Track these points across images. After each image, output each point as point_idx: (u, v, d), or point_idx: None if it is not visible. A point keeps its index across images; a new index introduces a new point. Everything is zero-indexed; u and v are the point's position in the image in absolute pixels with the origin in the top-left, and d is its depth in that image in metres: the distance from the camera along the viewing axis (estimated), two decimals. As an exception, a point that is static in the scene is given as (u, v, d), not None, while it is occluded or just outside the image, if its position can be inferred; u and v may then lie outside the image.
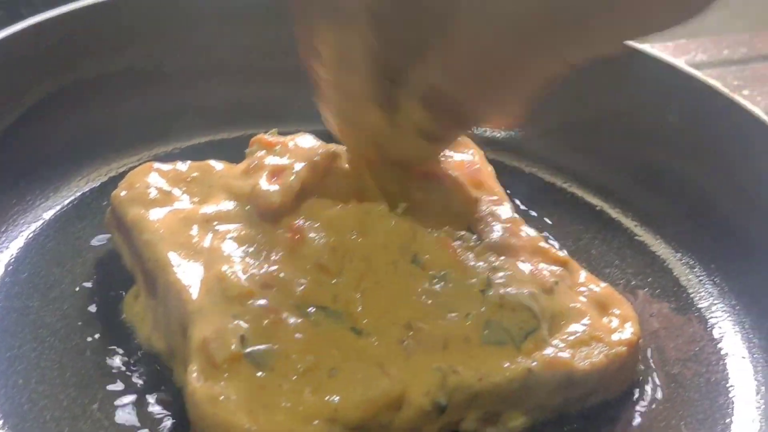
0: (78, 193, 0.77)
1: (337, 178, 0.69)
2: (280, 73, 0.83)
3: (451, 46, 0.58)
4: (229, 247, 0.65)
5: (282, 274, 0.63)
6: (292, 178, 0.67)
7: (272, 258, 0.64)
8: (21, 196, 0.75)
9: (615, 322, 0.66)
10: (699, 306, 0.74)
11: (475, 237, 0.69)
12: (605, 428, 0.65)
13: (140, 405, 0.62)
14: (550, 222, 0.79)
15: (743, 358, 0.70)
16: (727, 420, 0.66)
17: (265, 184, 0.67)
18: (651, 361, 0.69)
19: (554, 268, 0.69)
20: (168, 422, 0.61)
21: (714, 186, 0.79)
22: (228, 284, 0.62)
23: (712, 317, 0.73)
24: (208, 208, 0.67)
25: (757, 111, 0.78)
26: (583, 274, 0.70)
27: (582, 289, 0.68)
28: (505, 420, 0.63)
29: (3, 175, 0.74)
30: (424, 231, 0.68)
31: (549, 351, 0.63)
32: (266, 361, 0.59)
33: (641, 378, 0.68)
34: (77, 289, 0.69)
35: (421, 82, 0.61)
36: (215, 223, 0.66)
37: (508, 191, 0.75)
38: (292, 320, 0.61)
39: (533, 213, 0.80)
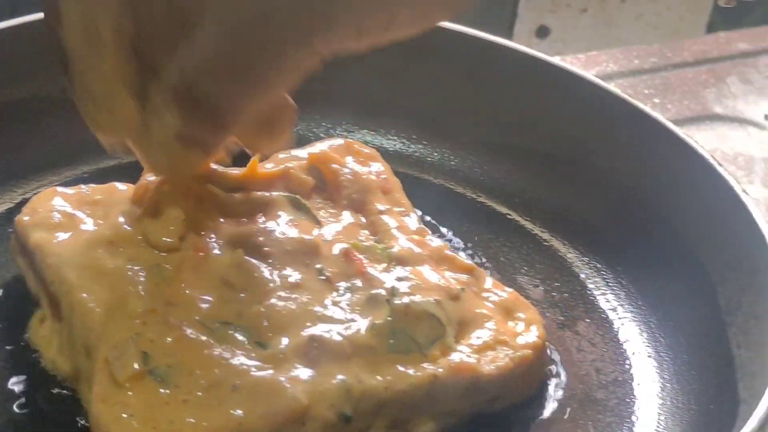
0: (-16, 220, 0.76)
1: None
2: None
3: (201, 35, 0.55)
4: (133, 267, 0.65)
5: (186, 291, 0.63)
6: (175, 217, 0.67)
7: (176, 275, 0.64)
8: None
9: (520, 326, 0.67)
10: (606, 308, 0.75)
11: (381, 248, 0.69)
12: (514, 431, 0.65)
13: (46, 428, 0.61)
14: (459, 231, 0.80)
15: (649, 357, 0.71)
16: (633, 418, 0.66)
17: (151, 227, 0.67)
18: (558, 363, 0.70)
19: (460, 275, 0.69)
20: (74, 444, 0.61)
21: (620, 192, 0.81)
22: (131, 303, 0.62)
23: (618, 318, 0.74)
24: (111, 230, 0.67)
25: (661, 118, 0.80)
26: (489, 281, 0.70)
27: (488, 295, 0.69)
28: (413, 427, 0.63)
29: None
30: (330, 244, 0.68)
31: (455, 357, 0.64)
32: (170, 378, 0.59)
33: (549, 380, 0.68)
34: (-19, 315, 0.68)
35: (173, 73, 0.57)
36: (118, 244, 0.66)
37: (417, 203, 0.76)
38: (195, 336, 0.61)
39: (443, 223, 0.80)
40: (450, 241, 0.78)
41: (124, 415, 0.57)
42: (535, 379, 0.67)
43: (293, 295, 0.64)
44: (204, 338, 0.61)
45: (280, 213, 0.70)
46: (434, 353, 0.63)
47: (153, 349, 0.60)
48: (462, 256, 0.73)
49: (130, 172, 0.75)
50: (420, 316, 0.64)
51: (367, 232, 0.71)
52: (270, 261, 0.66)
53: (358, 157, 0.77)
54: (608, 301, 0.76)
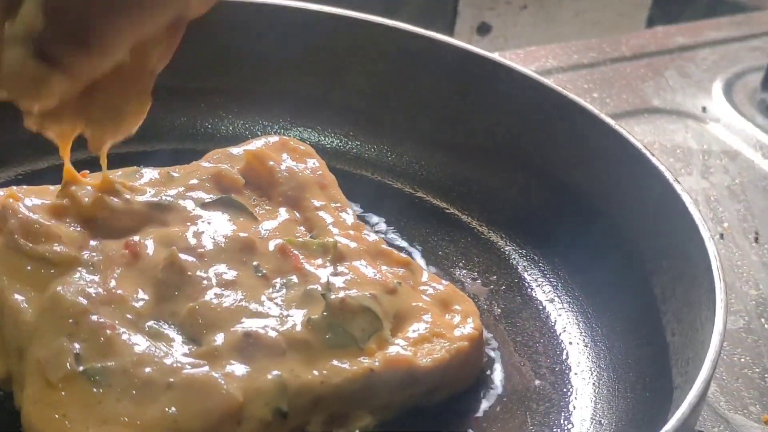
0: None
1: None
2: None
3: None
4: (65, 268, 0.64)
5: (119, 291, 0.63)
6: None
7: (109, 275, 0.64)
8: None
9: (457, 319, 0.67)
10: (543, 299, 0.76)
11: (317, 243, 0.69)
12: (453, 423, 0.66)
13: (-22, 431, 0.61)
14: (397, 226, 0.80)
15: (586, 346, 0.71)
16: (570, 407, 0.67)
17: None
18: (496, 354, 0.70)
19: (397, 269, 0.70)
20: (7, 446, 0.60)
21: (556, 185, 0.81)
22: (63, 303, 0.61)
23: (555, 309, 0.75)
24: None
25: (595, 110, 0.80)
26: (425, 274, 0.70)
27: (425, 288, 0.69)
28: (350, 422, 0.63)
29: None
30: (266, 240, 0.68)
31: (392, 350, 0.64)
32: (103, 378, 0.58)
33: (486, 371, 0.69)
34: None
35: None
36: (50, 244, 0.66)
37: (354, 198, 0.76)
38: (128, 336, 0.60)
39: (380, 218, 0.80)
40: (386, 235, 0.78)
41: (57, 416, 0.56)
42: (472, 370, 0.68)
43: (228, 292, 0.64)
44: (137, 337, 0.60)
45: (216, 212, 0.69)
46: (371, 347, 0.64)
47: (85, 349, 0.59)
48: (398, 251, 0.73)
49: (61, 174, 0.74)
50: (356, 311, 0.64)
51: (303, 228, 0.71)
52: (205, 259, 0.66)
53: (293, 153, 0.77)
54: (545, 292, 0.76)
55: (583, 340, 0.72)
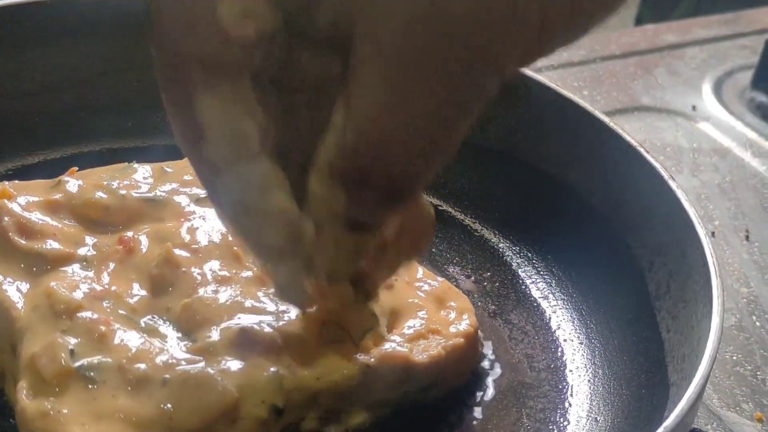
0: None
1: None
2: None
3: (356, 84, 0.47)
4: (59, 263, 0.64)
5: (114, 287, 0.63)
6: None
7: (104, 271, 0.64)
8: None
9: (452, 315, 0.67)
10: (537, 296, 0.75)
11: (311, 240, 0.69)
12: (448, 420, 0.65)
13: (-28, 428, 0.60)
14: (390, 223, 0.80)
15: (581, 343, 0.71)
16: (566, 404, 0.67)
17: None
18: (491, 351, 0.70)
19: (391, 265, 0.69)
20: (1, 443, 0.60)
21: (550, 181, 0.81)
22: (57, 299, 0.61)
23: (550, 306, 0.74)
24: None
25: (589, 107, 0.80)
26: (420, 270, 0.70)
27: (420, 284, 0.69)
28: (346, 418, 0.63)
29: None
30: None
31: (387, 346, 0.64)
32: (98, 374, 0.58)
33: (482, 368, 0.68)
34: None
35: (328, 154, 0.50)
36: (44, 240, 0.65)
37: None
38: (123, 332, 0.60)
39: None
40: (381, 232, 0.78)
41: (51, 412, 0.56)
42: (467, 367, 0.67)
43: (223, 288, 0.64)
44: (132, 333, 0.60)
45: (211, 207, 0.69)
46: (367, 343, 0.63)
47: (80, 345, 0.59)
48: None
49: (53, 169, 0.74)
50: (352, 307, 0.64)
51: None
52: (200, 254, 0.65)
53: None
54: (539, 289, 0.76)
55: (578, 337, 0.72)
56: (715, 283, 0.62)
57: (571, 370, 0.69)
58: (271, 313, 0.63)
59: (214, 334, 0.61)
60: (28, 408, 0.56)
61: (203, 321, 0.62)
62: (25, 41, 0.83)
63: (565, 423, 0.65)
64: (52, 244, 0.65)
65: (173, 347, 0.60)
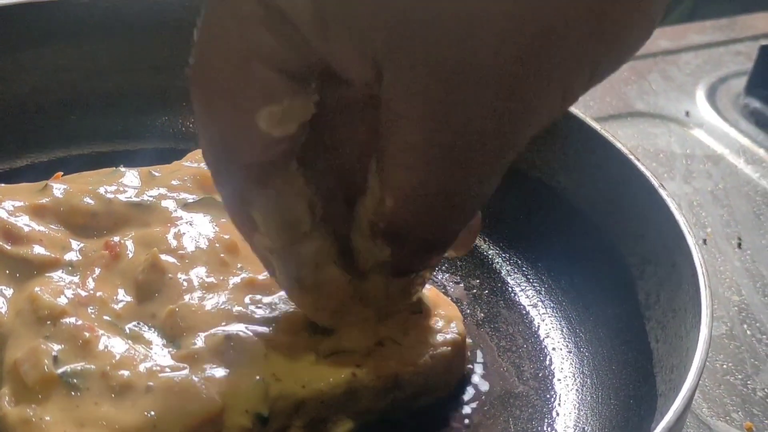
0: None
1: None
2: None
3: (388, 155, 0.48)
4: (45, 268, 0.63)
5: (99, 293, 0.62)
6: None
7: (89, 276, 0.63)
8: None
9: (440, 323, 0.67)
10: (526, 303, 0.75)
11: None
12: (435, 428, 0.65)
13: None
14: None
15: (569, 352, 0.71)
16: (553, 413, 0.66)
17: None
18: (479, 359, 0.69)
19: (379, 273, 0.69)
20: (-18, 450, 0.59)
21: (539, 188, 0.80)
22: (40, 304, 0.60)
23: (539, 314, 0.74)
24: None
25: (580, 113, 0.79)
26: (408, 278, 0.70)
27: (408, 292, 0.68)
28: (331, 426, 0.62)
29: None
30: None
31: (374, 355, 0.63)
32: (81, 381, 0.57)
33: (470, 377, 0.68)
34: None
35: (367, 214, 0.53)
36: (30, 246, 0.65)
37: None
38: (107, 338, 0.60)
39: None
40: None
41: (34, 419, 0.55)
42: (455, 375, 0.67)
43: (209, 295, 0.63)
44: (116, 339, 0.60)
45: (198, 213, 0.69)
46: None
47: (64, 351, 0.58)
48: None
49: (41, 172, 0.74)
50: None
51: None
52: (186, 260, 0.65)
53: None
54: (528, 297, 0.76)
55: (567, 345, 0.72)
56: (704, 293, 0.62)
57: (559, 379, 0.69)
58: (257, 320, 0.62)
59: (199, 341, 0.60)
60: (9, 415, 0.56)
61: (188, 328, 0.61)
62: (14, 43, 0.82)
63: (553, 432, 0.65)
64: (38, 250, 0.64)
65: (158, 354, 0.60)
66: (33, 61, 0.83)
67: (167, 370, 0.58)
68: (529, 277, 0.77)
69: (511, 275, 0.77)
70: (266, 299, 0.64)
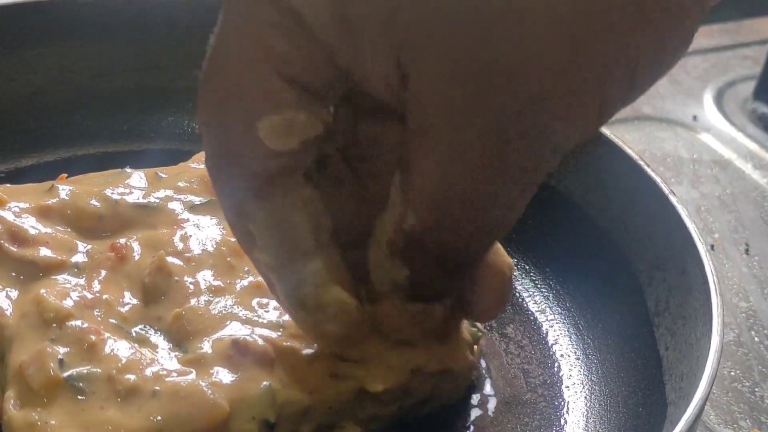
0: None
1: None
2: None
3: (413, 171, 0.46)
4: (51, 270, 0.63)
5: (105, 295, 0.62)
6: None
7: (95, 278, 0.63)
8: None
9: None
10: (534, 309, 0.74)
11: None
12: (442, 435, 0.65)
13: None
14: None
15: (578, 359, 0.70)
16: (561, 421, 0.66)
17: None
18: (487, 365, 0.69)
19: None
20: (-13, 454, 0.59)
21: (548, 194, 0.80)
22: (46, 307, 0.60)
23: (547, 320, 0.74)
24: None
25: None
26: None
27: (416, 297, 0.68)
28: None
29: None
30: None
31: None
32: (87, 384, 0.57)
33: (477, 383, 0.67)
34: None
35: (387, 232, 0.51)
36: (37, 248, 0.64)
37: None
38: (113, 341, 0.59)
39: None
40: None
41: (39, 423, 0.55)
42: (464, 382, 0.66)
43: (216, 298, 0.63)
44: (122, 342, 0.59)
45: (206, 215, 0.68)
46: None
47: (69, 354, 0.58)
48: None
49: (46, 172, 0.73)
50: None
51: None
52: (193, 263, 0.64)
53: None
54: (536, 303, 0.75)
55: (575, 352, 0.71)
56: (715, 301, 0.61)
57: (567, 386, 0.68)
58: (264, 324, 0.62)
59: (206, 346, 0.60)
60: (14, 418, 0.55)
61: (195, 331, 0.61)
62: (19, 42, 0.82)
63: (561, 440, 0.65)
64: (45, 252, 0.64)
65: (164, 358, 0.59)
66: (38, 61, 0.83)
67: (174, 374, 0.58)
68: (537, 282, 0.77)
69: (518, 281, 0.77)
70: (274, 303, 0.63)
